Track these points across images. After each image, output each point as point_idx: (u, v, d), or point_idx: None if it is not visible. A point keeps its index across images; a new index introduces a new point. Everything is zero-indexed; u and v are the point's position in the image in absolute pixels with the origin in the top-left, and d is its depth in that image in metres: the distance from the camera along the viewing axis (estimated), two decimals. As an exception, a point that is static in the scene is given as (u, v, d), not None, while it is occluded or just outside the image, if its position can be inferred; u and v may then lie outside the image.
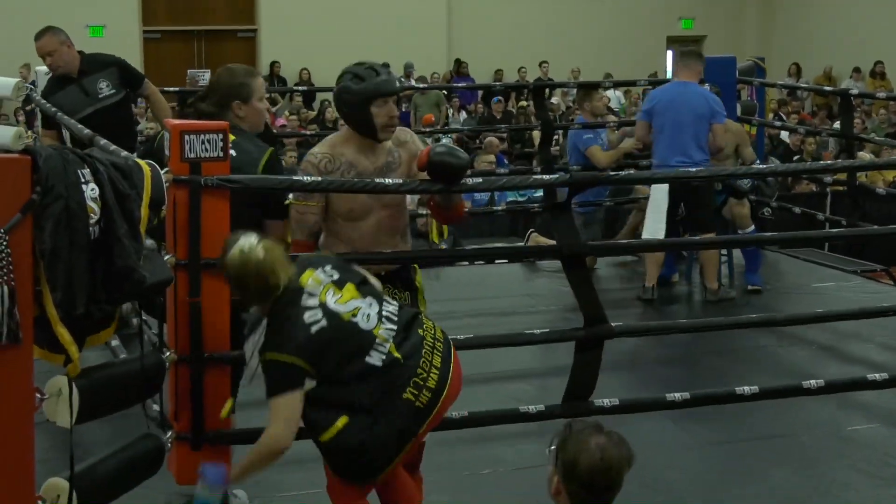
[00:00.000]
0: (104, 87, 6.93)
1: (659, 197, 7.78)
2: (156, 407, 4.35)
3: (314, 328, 3.63)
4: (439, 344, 3.85)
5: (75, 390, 3.50)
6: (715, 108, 7.86)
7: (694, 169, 7.29)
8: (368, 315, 3.74)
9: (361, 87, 4.43)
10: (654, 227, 7.76)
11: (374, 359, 3.69)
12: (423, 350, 3.78)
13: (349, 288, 3.77)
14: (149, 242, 3.61)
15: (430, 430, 3.83)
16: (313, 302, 3.68)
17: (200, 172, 3.99)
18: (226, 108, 4.49)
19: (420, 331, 3.82)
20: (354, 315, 3.71)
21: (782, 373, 6.46)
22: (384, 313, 3.79)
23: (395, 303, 3.91)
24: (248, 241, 3.68)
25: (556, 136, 12.84)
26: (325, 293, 3.71)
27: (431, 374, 3.75)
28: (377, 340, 3.72)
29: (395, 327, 3.78)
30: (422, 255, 6.28)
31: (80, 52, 7.07)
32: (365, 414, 3.65)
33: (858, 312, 6.20)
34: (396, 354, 3.72)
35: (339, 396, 3.65)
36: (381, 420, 3.66)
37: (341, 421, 3.64)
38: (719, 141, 7.93)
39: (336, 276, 3.77)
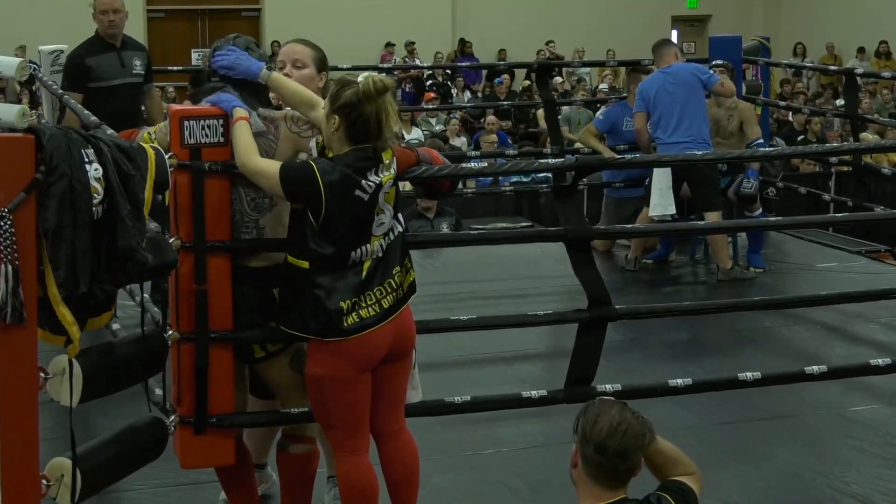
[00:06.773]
0: (137, 65, 7.07)
1: (661, 174, 7.81)
2: (158, 391, 4.34)
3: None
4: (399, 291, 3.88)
5: (77, 370, 3.49)
6: (701, 76, 7.96)
7: (700, 152, 7.29)
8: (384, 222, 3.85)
9: None
10: (664, 203, 7.79)
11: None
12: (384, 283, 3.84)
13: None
14: (153, 225, 3.59)
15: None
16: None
17: (201, 158, 3.95)
18: None
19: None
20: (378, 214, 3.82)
21: (787, 354, 6.46)
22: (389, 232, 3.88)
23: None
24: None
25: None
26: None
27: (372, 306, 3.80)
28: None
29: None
30: (422, 239, 6.27)
31: None
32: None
33: (863, 294, 6.19)
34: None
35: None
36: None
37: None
38: (727, 91, 8.02)
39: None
